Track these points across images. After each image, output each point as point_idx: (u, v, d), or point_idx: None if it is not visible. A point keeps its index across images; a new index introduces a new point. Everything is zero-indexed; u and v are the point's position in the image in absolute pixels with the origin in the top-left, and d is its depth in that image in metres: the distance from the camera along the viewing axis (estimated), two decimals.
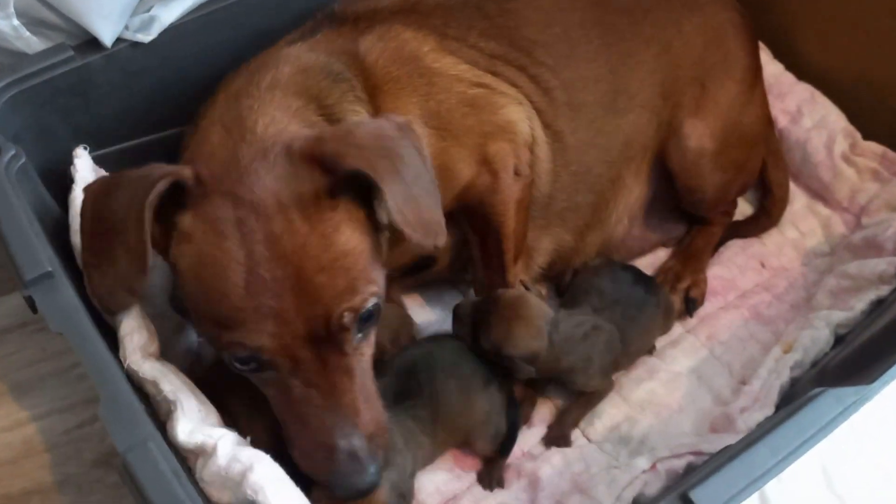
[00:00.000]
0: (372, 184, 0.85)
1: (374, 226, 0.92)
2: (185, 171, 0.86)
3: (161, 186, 0.82)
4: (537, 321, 1.12)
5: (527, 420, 1.20)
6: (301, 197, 0.85)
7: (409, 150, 0.90)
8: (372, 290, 0.88)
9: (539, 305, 1.15)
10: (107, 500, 1.15)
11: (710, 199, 1.37)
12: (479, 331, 1.12)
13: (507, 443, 1.13)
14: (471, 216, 1.18)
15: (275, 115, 0.95)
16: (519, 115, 1.17)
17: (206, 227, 0.85)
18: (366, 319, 0.89)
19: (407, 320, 1.26)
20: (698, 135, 1.30)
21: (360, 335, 0.89)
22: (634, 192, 1.36)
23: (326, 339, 0.86)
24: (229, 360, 0.88)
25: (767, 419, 1.05)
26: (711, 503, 0.77)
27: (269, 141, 0.89)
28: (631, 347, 1.23)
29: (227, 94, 1.02)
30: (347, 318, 0.85)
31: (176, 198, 0.86)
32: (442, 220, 0.91)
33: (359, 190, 0.88)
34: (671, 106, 1.30)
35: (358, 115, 1.03)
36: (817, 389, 0.86)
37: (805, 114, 1.49)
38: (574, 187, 1.27)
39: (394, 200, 0.84)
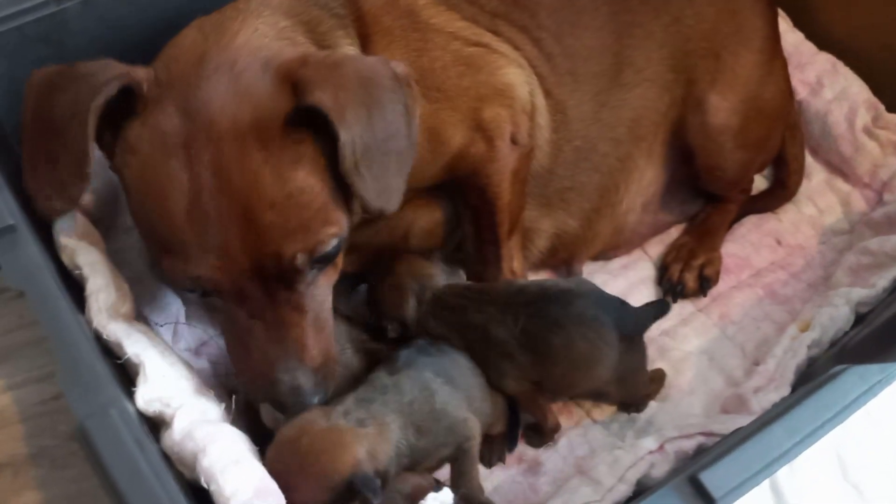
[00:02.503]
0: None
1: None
2: (139, 73, 0.82)
3: (110, 90, 0.79)
4: (408, 290, 1.08)
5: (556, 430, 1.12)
6: (261, 121, 0.80)
7: (394, 105, 0.85)
8: (330, 231, 0.84)
9: (421, 272, 1.10)
10: (82, 473, 1.12)
11: (731, 177, 1.32)
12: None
13: (511, 429, 1.11)
14: (463, 187, 1.12)
15: (259, 27, 0.90)
16: (518, 79, 1.11)
17: (153, 141, 0.81)
18: (323, 259, 0.85)
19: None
20: (720, 110, 1.25)
21: (314, 271, 0.86)
22: (647, 175, 1.30)
23: (276, 277, 0.83)
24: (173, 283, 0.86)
25: (784, 399, 1.02)
26: (722, 486, 0.73)
27: (245, 52, 0.85)
28: (557, 364, 1.02)
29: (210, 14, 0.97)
30: (300, 259, 0.82)
31: (130, 100, 0.82)
32: (401, 190, 0.87)
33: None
34: (684, 81, 1.25)
35: (350, 50, 0.99)
36: (839, 367, 0.82)
37: (826, 85, 1.45)
38: (577, 165, 1.22)
39: (349, 148, 0.79)
